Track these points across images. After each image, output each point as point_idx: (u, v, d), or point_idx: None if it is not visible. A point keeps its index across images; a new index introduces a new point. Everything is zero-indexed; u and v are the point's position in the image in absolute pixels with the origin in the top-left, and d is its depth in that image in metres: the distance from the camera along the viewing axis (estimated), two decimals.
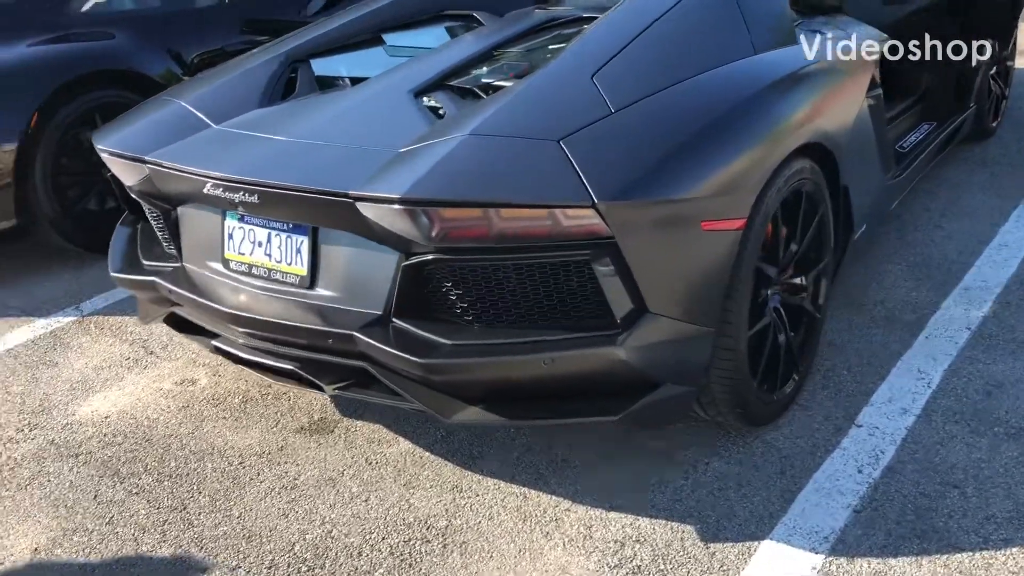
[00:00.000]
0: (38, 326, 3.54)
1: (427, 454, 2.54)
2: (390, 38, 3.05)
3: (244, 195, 2.19)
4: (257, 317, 2.25)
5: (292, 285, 2.26)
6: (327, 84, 2.82)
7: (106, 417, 2.88)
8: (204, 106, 2.62)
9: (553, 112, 2.14)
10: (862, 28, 3.04)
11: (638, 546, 2.15)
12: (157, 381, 3.07)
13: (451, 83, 2.54)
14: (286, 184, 2.11)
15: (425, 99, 2.47)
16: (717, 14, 2.52)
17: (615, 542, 2.17)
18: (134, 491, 2.49)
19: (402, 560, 2.16)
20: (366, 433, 2.66)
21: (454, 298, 2.08)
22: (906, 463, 2.33)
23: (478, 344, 2.04)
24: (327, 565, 2.17)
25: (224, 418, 2.81)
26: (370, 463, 2.52)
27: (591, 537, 2.19)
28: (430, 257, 2.03)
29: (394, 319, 2.12)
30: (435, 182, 1.94)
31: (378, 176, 2.02)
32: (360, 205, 1.99)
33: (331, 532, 2.27)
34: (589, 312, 2.04)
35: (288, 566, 2.17)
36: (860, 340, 2.93)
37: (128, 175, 2.51)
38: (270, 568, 2.17)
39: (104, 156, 2.53)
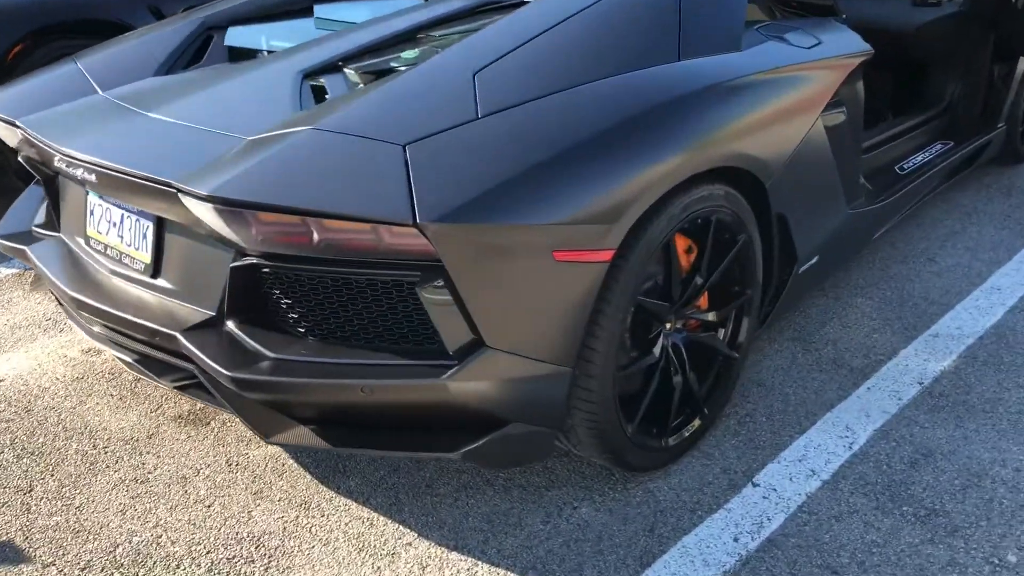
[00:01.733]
0: None
1: (290, 462, 2.38)
2: (320, 9, 2.85)
3: (86, 174, 2.04)
4: (95, 304, 2.10)
5: (138, 272, 2.12)
6: (239, 55, 2.64)
7: (1, 380, 2.80)
8: (98, 70, 2.48)
9: (416, 111, 1.92)
10: (841, 36, 2.72)
11: None
12: (65, 347, 2.98)
13: (348, 66, 2.33)
14: (120, 167, 1.95)
15: (313, 82, 2.27)
16: (645, 14, 2.25)
17: None
18: None
19: None
20: (241, 431, 2.51)
21: (284, 307, 1.91)
22: (790, 536, 2.08)
23: (297, 362, 1.85)
24: (140, 574, 2.03)
25: (111, 395, 2.70)
26: (230, 465, 2.38)
27: None
28: (254, 261, 1.85)
29: (227, 323, 1.96)
30: (246, 182, 1.75)
31: (207, 168, 1.84)
32: (182, 198, 1.82)
33: (159, 537, 2.14)
34: (421, 340, 1.84)
35: (102, 569, 2.05)
36: (794, 383, 2.65)
37: (8, 137, 2.39)
38: (84, 569, 2.05)
39: None
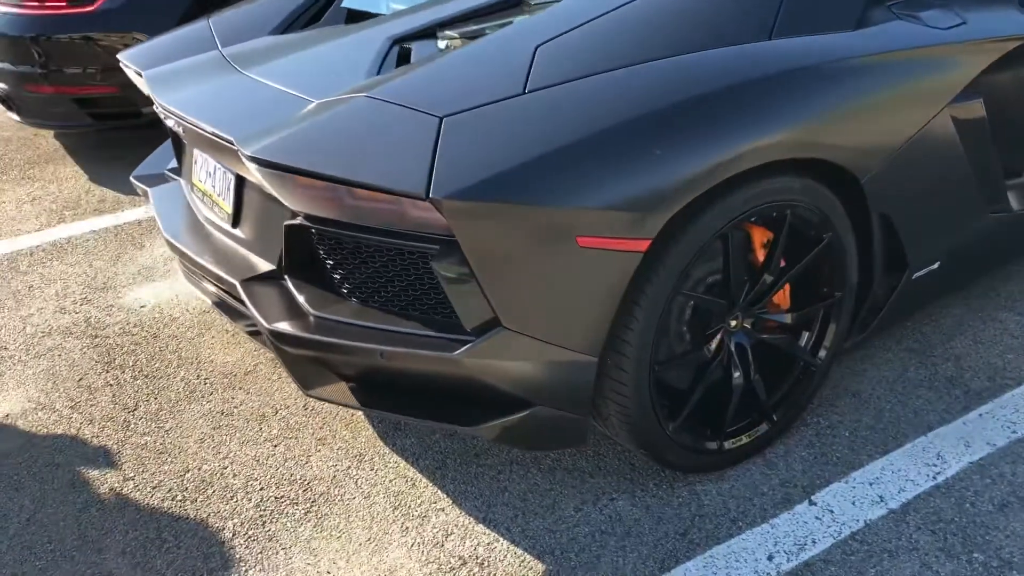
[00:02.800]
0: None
1: (359, 414, 2.48)
2: None
3: (177, 126, 2.20)
4: (184, 249, 2.28)
5: (223, 220, 2.27)
6: (355, 17, 2.72)
7: (141, 307, 3.11)
8: (224, 28, 2.65)
9: (468, 83, 1.90)
10: (1001, 15, 2.39)
11: (477, 571, 1.97)
12: None
13: (441, 32, 2.35)
14: (197, 122, 2.08)
15: (401, 47, 2.31)
16: None
17: (459, 559, 2.00)
18: (110, 383, 2.69)
19: (260, 516, 2.15)
20: None
21: (329, 268, 1.97)
22: (831, 564, 1.91)
23: (329, 321, 1.92)
24: (198, 500, 2.21)
25: (226, 332, 2.92)
26: (306, 409, 2.51)
27: (442, 546, 2.04)
28: (302, 222, 1.93)
29: (285, 278, 2.06)
30: (287, 145, 1.81)
31: (267, 129, 1.93)
32: (240, 156, 1.92)
33: (224, 469, 2.31)
34: (441, 314, 1.85)
35: (169, 491, 2.24)
36: (895, 398, 2.41)
37: (140, 86, 2.62)
38: (154, 488, 2.26)
39: (122, 65, 2.65)
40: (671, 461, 2.10)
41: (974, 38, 2.27)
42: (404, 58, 2.27)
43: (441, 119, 1.79)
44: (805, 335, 2.26)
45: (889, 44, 2.14)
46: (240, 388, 2.62)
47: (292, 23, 2.69)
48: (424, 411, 1.96)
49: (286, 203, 1.87)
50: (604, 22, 2.02)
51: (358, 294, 1.95)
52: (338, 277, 1.96)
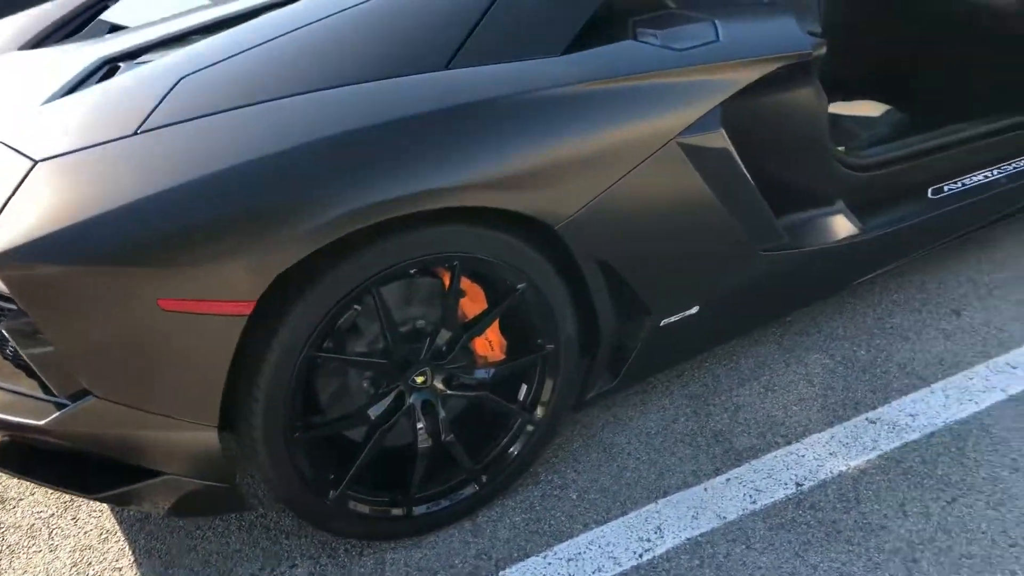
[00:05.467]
0: None
1: None
2: None
3: None
4: None
5: None
6: (117, 28, 2.57)
7: None
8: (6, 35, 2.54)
9: (90, 120, 1.75)
10: (765, 29, 2.12)
11: None
12: None
13: (141, 57, 2.18)
14: None
15: (109, 68, 2.16)
16: (419, 18, 1.88)
17: None
18: None
19: None
20: None
21: None
22: None
23: None
24: None
25: None
26: None
27: None
28: None
29: None
30: None
31: None
32: None
33: None
34: (38, 378, 1.71)
35: None
36: (648, 455, 2.19)
37: None
38: None
39: None
40: (343, 530, 1.94)
41: (723, 59, 2.01)
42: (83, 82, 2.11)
43: (36, 162, 1.64)
44: (523, 389, 2.06)
45: (602, 70, 1.91)
46: None
47: (48, 36, 2.56)
48: (51, 476, 1.83)
49: None
50: (261, 51, 1.84)
51: None
52: None
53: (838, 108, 3.18)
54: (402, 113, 1.71)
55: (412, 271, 1.81)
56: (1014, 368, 2.37)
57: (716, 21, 2.09)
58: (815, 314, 2.68)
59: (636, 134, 1.91)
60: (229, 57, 1.84)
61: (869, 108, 3.10)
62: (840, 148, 2.83)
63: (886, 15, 3.40)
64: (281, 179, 1.61)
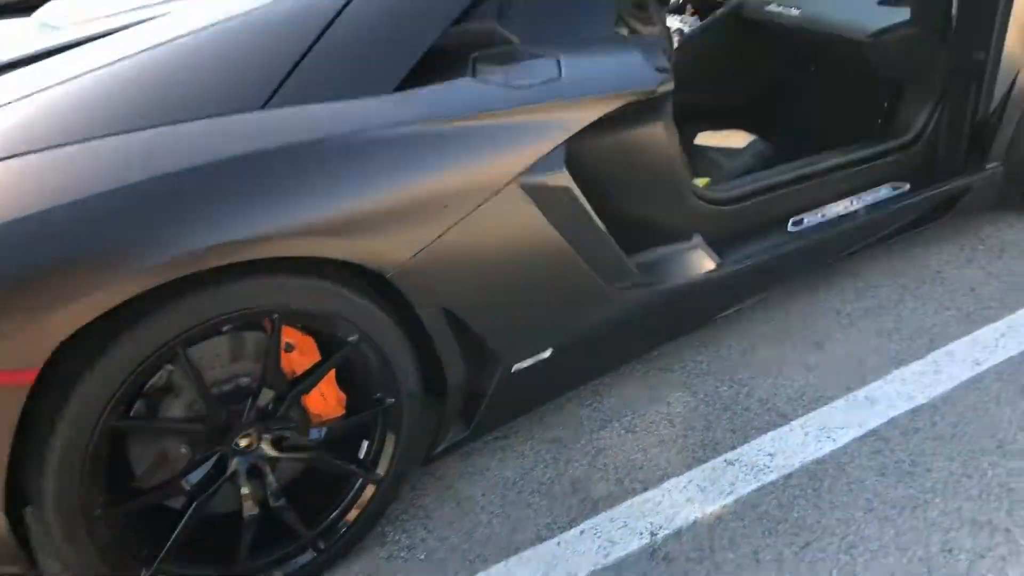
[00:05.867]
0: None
1: None
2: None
3: None
4: None
5: None
6: None
7: None
8: None
9: None
10: (614, 65, 2.06)
11: None
12: None
13: None
14: None
15: None
16: (240, 49, 1.76)
17: None
18: None
19: None
20: None
21: None
22: None
23: None
24: None
25: None
26: None
27: None
28: None
29: None
30: None
31: None
32: None
33: None
34: None
35: None
36: (503, 508, 2.10)
37: None
38: None
39: None
40: None
41: (565, 97, 1.94)
42: None
43: None
44: (364, 446, 1.94)
45: (437, 109, 1.81)
46: None
47: None
48: None
49: None
50: (61, 90, 1.68)
51: None
52: None
53: (705, 138, 3.17)
54: (209, 158, 1.58)
55: (225, 328, 1.68)
56: (872, 403, 2.36)
57: (560, 57, 2.03)
58: (681, 348, 2.64)
59: (474, 176, 1.82)
60: (25, 97, 1.69)
61: (736, 138, 3.10)
62: (703, 180, 2.82)
63: (753, 44, 3.42)
64: (67, 232, 1.47)
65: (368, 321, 1.79)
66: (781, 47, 3.33)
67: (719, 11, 3.36)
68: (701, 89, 3.45)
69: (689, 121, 3.34)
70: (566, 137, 1.93)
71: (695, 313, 2.49)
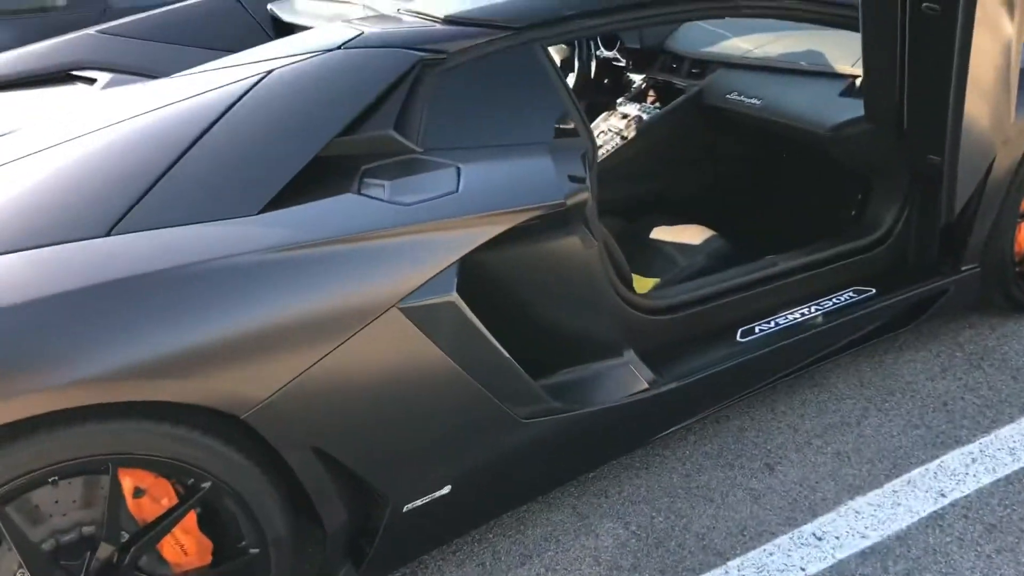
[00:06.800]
0: None
1: None
2: None
3: None
4: None
5: None
6: None
7: None
8: None
9: None
10: (519, 177, 1.91)
11: None
12: None
13: None
14: None
15: None
16: (89, 171, 1.63)
17: None
18: None
19: None
20: None
21: None
22: None
23: None
24: None
25: None
26: None
27: None
28: None
29: None
30: None
31: None
32: None
33: None
34: None
35: None
36: None
37: None
38: None
39: None
40: None
41: (459, 213, 1.78)
42: None
43: None
44: None
45: (306, 231, 1.66)
46: None
47: None
48: None
49: None
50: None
51: None
52: None
53: (661, 233, 2.99)
54: (39, 293, 1.43)
55: (52, 479, 1.51)
56: (818, 540, 2.13)
57: (461, 168, 1.87)
58: (619, 468, 2.43)
59: (347, 302, 1.66)
60: None
61: (692, 234, 2.92)
62: (651, 281, 2.65)
63: (715, 134, 3.26)
64: None
65: (222, 466, 1.61)
66: (743, 137, 3.16)
67: (680, 98, 3.21)
68: (661, 178, 3.29)
69: (648, 212, 3.18)
70: (458, 256, 1.77)
71: (628, 437, 2.28)
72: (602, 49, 3.68)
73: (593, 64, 3.73)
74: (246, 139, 1.76)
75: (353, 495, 1.83)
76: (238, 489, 1.64)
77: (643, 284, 2.76)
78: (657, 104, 3.34)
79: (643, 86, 3.46)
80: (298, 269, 1.62)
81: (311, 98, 1.86)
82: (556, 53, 3.82)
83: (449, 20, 2.14)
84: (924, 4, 2.01)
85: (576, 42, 3.72)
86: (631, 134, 3.21)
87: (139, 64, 2.56)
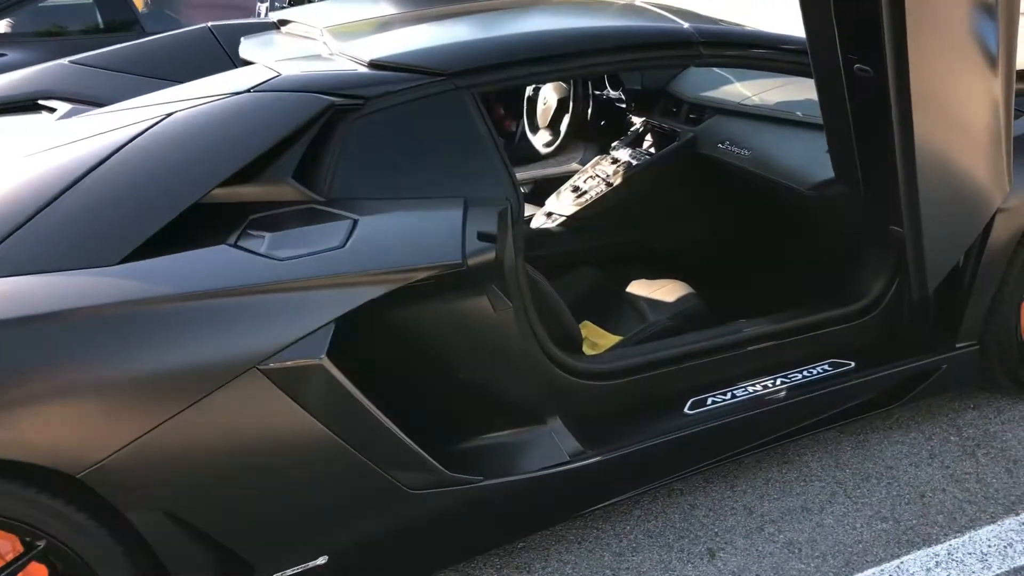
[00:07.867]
0: None
1: None
2: None
3: None
4: None
5: None
6: None
7: None
8: None
9: None
10: (422, 228, 1.80)
11: None
12: None
13: None
14: None
15: None
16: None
17: None
18: None
19: None
20: None
21: None
22: None
23: None
24: None
25: None
26: None
27: None
28: None
29: None
30: None
31: None
32: None
33: None
34: None
35: None
36: None
37: None
38: None
39: None
40: None
41: (337, 271, 1.69)
42: None
43: None
44: None
45: (165, 285, 1.60)
46: None
47: None
48: None
49: None
50: None
51: None
52: None
53: (638, 287, 2.83)
54: None
55: None
56: None
57: (358, 220, 1.79)
58: (552, 541, 2.27)
59: (202, 361, 1.59)
60: None
61: (668, 290, 2.75)
62: (612, 339, 2.51)
63: (703, 184, 3.09)
64: None
65: (59, 525, 1.55)
66: (731, 190, 2.98)
67: (672, 145, 3.05)
68: (646, 228, 3.13)
69: (629, 263, 3.03)
70: (333, 316, 1.67)
71: (547, 510, 2.14)
72: (608, 90, 3.54)
73: (590, 105, 3.59)
74: (124, 184, 1.71)
75: (221, 559, 1.75)
76: (76, 549, 1.58)
77: (605, 341, 2.62)
78: (651, 149, 3.19)
79: (640, 130, 3.31)
80: (148, 324, 1.56)
81: (200, 143, 1.80)
82: (555, 92, 3.70)
83: (375, 64, 2.06)
84: (856, 66, 1.82)
85: (571, 82, 3.60)
86: (617, 181, 3.06)
87: (105, 95, 2.56)
